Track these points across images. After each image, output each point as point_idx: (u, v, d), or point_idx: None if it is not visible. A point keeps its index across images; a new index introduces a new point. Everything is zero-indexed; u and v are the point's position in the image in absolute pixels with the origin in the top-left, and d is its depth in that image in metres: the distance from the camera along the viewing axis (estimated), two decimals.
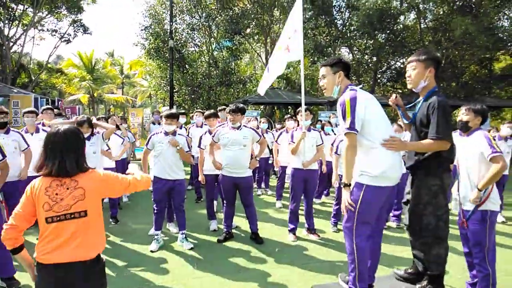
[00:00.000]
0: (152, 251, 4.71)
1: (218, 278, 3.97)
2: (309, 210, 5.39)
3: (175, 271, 4.16)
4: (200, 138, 5.54)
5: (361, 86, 3.05)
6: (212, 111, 6.12)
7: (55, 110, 6.60)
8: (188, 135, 6.80)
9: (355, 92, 2.86)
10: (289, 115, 7.86)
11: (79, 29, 21.85)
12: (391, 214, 6.01)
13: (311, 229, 5.38)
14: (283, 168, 7.08)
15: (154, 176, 4.87)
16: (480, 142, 3.18)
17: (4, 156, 3.85)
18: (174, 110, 5.31)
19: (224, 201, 5.22)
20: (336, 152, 5.62)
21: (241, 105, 5.10)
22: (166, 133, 4.84)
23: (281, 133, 7.19)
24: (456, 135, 6.81)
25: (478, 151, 3.17)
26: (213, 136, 5.07)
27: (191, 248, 4.79)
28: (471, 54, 17.69)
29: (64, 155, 2.01)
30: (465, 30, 16.21)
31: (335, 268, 4.18)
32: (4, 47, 18.96)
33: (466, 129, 3.35)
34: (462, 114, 3.36)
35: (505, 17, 20.15)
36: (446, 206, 2.99)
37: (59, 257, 1.94)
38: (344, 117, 2.81)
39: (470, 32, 16.22)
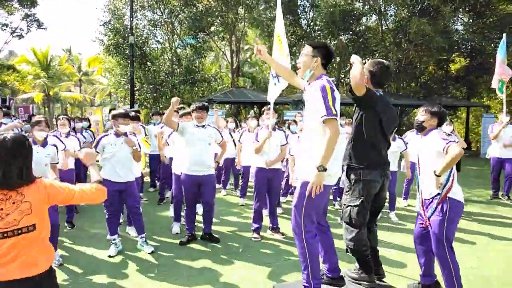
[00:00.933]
0: (110, 256, 4.44)
1: (180, 281, 3.84)
2: (272, 210, 5.34)
3: (135, 276, 3.97)
4: (170, 134, 5.48)
5: (332, 79, 2.97)
6: (187, 110, 5.85)
7: (3, 109, 6.16)
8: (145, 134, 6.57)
9: (331, 82, 2.84)
10: (251, 115, 7.76)
11: (32, 24, 20.68)
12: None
13: (275, 228, 5.32)
14: (246, 168, 6.98)
15: (104, 179, 4.53)
16: (435, 140, 3.23)
17: None
18: (122, 110, 5.01)
19: (185, 202, 5.02)
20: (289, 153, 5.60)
21: (206, 103, 5.02)
22: (117, 135, 4.56)
23: (242, 133, 7.11)
24: (413, 134, 7.00)
25: (435, 149, 3.20)
26: (177, 129, 4.74)
27: (152, 252, 4.56)
28: (429, 56, 18.35)
29: (7, 166, 1.86)
30: (422, 32, 16.79)
31: (298, 267, 4.06)
32: None
33: (421, 129, 3.42)
34: (419, 114, 3.44)
35: (459, 21, 21.15)
36: (362, 199, 3.11)
37: (9, 275, 1.83)
38: (326, 102, 2.72)
39: (427, 34, 16.82)
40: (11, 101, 15.73)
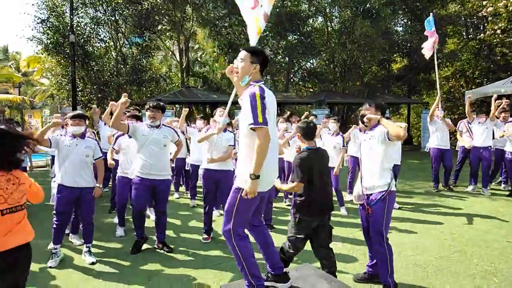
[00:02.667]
0: (50, 267, 4.19)
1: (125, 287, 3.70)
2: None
3: (79, 285, 3.79)
4: (116, 138, 5.27)
5: (262, 82, 2.96)
6: (134, 112, 5.60)
7: None
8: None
9: (264, 89, 2.81)
10: (199, 116, 7.68)
11: None
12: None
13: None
14: (194, 167, 6.92)
15: (59, 184, 4.32)
16: (381, 130, 3.49)
17: None
18: (79, 111, 4.75)
19: (134, 209, 4.69)
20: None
21: (162, 102, 4.73)
22: (73, 136, 4.32)
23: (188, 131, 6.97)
24: (357, 132, 7.27)
25: (380, 138, 3.47)
26: (128, 130, 4.48)
27: (93, 263, 4.32)
28: (372, 56, 19.21)
29: (13, 152, 2.29)
30: (365, 33, 17.57)
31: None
32: None
33: (366, 123, 3.64)
34: (364, 109, 3.68)
35: (400, 22, 22.39)
36: None
37: (13, 242, 2.25)
38: (254, 111, 2.69)
39: (369, 35, 17.62)
40: None
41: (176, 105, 21.40)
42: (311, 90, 23.96)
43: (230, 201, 2.87)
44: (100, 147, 4.65)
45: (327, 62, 21.94)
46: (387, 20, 18.93)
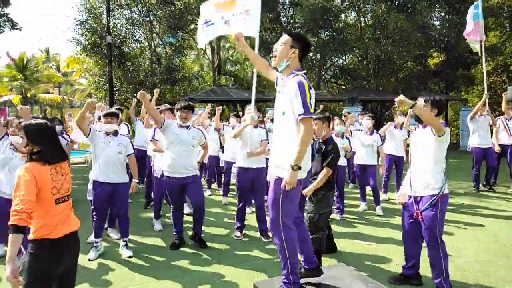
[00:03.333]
0: (89, 260, 4.34)
1: (162, 283, 3.81)
2: (258, 213, 5.14)
3: (116, 279, 3.90)
4: (154, 129, 5.33)
5: (304, 71, 2.94)
6: (167, 106, 5.75)
7: None
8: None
9: (307, 81, 2.80)
10: (232, 113, 7.69)
11: (5, 24, 20.04)
12: (334, 207, 6.10)
13: (263, 231, 5.11)
14: (228, 165, 6.96)
15: (93, 181, 4.48)
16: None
17: None
18: (112, 109, 4.90)
19: (171, 205, 4.85)
20: None
21: (192, 103, 4.81)
22: (107, 134, 4.46)
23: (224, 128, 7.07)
24: (392, 129, 7.04)
25: (432, 136, 3.25)
26: (161, 126, 4.59)
27: (130, 257, 4.43)
28: (407, 51, 18.60)
29: (54, 146, 2.38)
30: (400, 27, 17.03)
31: (279, 266, 4.09)
32: None
33: (421, 120, 3.38)
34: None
35: (436, 16, 21.54)
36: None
37: (66, 230, 2.35)
38: (304, 101, 2.68)
39: (405, 29, 17.06)
40: None
41: (208, 104, 21.65)
42: (343, 87, 23.54)
43: (273, 193, 2.84)
44: (132, 144, 4.77)
45: (360, 58, 21.46)
46: (423, 14, 18.22)
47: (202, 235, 4.92)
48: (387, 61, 19.60)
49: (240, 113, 7.75)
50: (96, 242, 4.51)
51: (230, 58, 26.26)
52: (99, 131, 4.56)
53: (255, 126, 5.16)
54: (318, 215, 3.87)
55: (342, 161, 6.11)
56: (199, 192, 4.78)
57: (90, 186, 4.77)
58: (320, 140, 4.08)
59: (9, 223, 2.08)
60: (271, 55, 3.00)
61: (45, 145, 2.33)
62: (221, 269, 4.12)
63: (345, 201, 6.34)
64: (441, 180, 3.27)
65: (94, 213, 4.50)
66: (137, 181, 4.69)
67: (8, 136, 4.30)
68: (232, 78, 24.08)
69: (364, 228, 5.53)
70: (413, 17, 17.30)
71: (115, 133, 4.54)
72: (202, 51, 22.58)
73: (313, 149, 4.03)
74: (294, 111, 2.73)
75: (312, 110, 2.72)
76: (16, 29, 20.31)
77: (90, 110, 4.42)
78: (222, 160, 7.37)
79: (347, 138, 6.28)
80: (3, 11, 19.60)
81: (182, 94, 18.56)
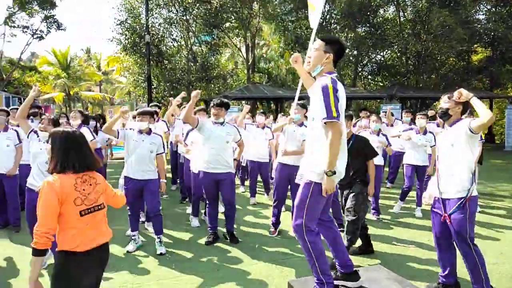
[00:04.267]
0: (128, 252, 4.50)
1: (196, 278, 3.86)
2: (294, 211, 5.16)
3: (152, 272, 4.01)
4: (187, 132, 5.46)
5: (335, 74, 2.89)
6: (201, 106, 5.87)
7: (32, 110, 6.31)
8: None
9: (336, 81, 2.74)
10: (259, 111, 7.68)
11: (52, 25, 21.09)
12: (370, 207, 5.98)
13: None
14: (252, 163, 6.99)
15: (125, 177, 4.62)
16: (464, 125, 3.12)
17: None
18: (145, 107, 5.02)
19: (207, 201, 4.95)
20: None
21: (226, 100, 4.86)
22: (140, 131, 4.57)
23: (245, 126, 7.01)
24: (433, 127, 6.70)
25: (465, 130, 3.09)
26: (196, 126, 4.68)
27: (162, 254, 4.48)
28: (449, 47, 17.84)
29: (81, 155, 2.26)
30: (442, 22, 16.35)
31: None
32: None
33: (446, 117, 3.26)
34: (443, 102, 3.29)
35: (482, 10, 20.47)
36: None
37: (95, 242, 2.24)
38: (327, 104, 2.64)
39: (448, 25, 16.36)
40: (35, 101, 16.13)
41: (243, 101, 21.79)
42: (381, 84, 22.93)
43: (301, 195, 2.83)
44: (165, 143, 4.87)
45: (399, 54, 20.82)
46: (467, 8, 17.42)
47: (235, 232, 4.97)
48: (428, 57, 18.89)
49: (272, 111, 7.72)
50: (134, 235, 4.66)
51: (264, 55, 26.27)
52: (131, 129, 4.68)
53: (300, 124, 5.11)
54: (363, 211, 4.18)
55: (379, 160, 5.96)
56: (231, 189, 4.86)
57: (121, 181, 4.95)
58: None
59: (31, 244, 2.08)
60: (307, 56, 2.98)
61: (65, 154, 2.22)
62: (254, 266, 4.14)
63: (381, 202, 6.18)
64: (470, 181, 3.10)
65: (128, 208, 4.64)
66: (165, 181, 4.76)
67: (35, 132, 4.36)
68: (266, 76, 24.08)
69: (402, 230, 5.37)
70: (456, 12, 16.57)
71: (149, 131, 4.62)
72: (237, 49, 22.75)
73: None
74: (320, 115, 2.69)
75: (335, 114, 2.62)
76: (62, 29, 21.37)
77: (123, 116, 4.64)
78: (244, 159, 7.38)
79: (384, 135, 6.11)
80: (50, 13, 20.66)
81: (216, 92, 18.79)
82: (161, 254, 4.47)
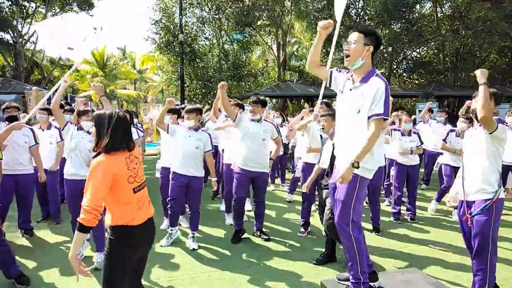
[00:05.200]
0: (162, 246, 4.60)
1: (227, 273, 3.90)
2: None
3: (184, 266, 4.09)
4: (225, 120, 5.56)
5: (382, 71, 2.89)
6: (237, 101, 5.92)
7: (68, 107, 6.56)
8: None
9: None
10: (276, 111, 7.63)
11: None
12: (405, 208, 5.83)
13: None
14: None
15: (172, 172, 4.68)
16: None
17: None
18: (195, 105, 5.01)
19: (235, 197, 4.93)
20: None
21: (262, 97, 4.86)
22: (188, 128, 4.64)
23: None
24: (464, 126, 6.37)
25: (483, 134, 2.91)
26: (234, 119, 4.73)
27: (194, 249, 4.55)
28: (490, 43, 17.03)
29: (128, 134, 2.34)
30: (483, 17, 15.63)
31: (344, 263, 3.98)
32: (17, 45, 19.08)
33: (474, 118, 3.11)
34: (474, 101, 3.06)
35: None
36: None
37: (145, 216, 2.37)
38: (386, 102, 2.71)
39: (489, 19, 15.61)
40: (74, 98, 16.84)
41: (273, 99, 21.77)
42: (416, 81, 22.23)
43: (347, 189, 2.81)
44: (211, 140, 4.87)
45: (435, 51, 20.10)
46: (511, 1, 16.54)
47: (266, 230, 4.99)
48: (467, 54, 18.13)
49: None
50: (171, 230, 4.74)
51: (296, 53, 26.12)
52: (181, 125, 4.76)
53: None
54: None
55: (415, 160, 5.78)
56: (264, 188, 4.89)
57: (158, 165, 5.14)
58: (328, 137, 4.08)
59: (78, 219, 2.11)
60: (342, 54, 2.96)
61: (116, 133, 2.26)
62: (285, 264, 4.12)
63: (417, 203, 5.98)
64: (496, 183, 2.92)
65: (170, 203, 4.68)
66: (215, 179, 4.81)
67: (71, 123, 4.40)
68: (297, 74, 23.92)
69: (438, 232, 5.19)
70: (499, 6, 15.77)
71: (196, 128, 4.68)
72: (268, 47, 22.74)
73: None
74: (372, 110, 2.71)
75: (388, 113, 2.74)
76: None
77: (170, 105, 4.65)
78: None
79: (416, 133, 5.93)
80: (88, 13, 21.44)
81: (247, 90, 18.87)
82: (193, 249, 4.53)
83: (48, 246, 4.67)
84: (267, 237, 4.89)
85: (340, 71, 3.10)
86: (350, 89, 2.91)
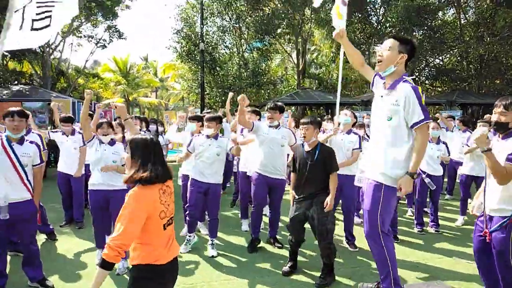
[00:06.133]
0: (181, 253, 4.61)
1: (245, 282, 3.89)
2: (347, 220, 4.99)
3: (203, 273, 4.10)
4: (241, 130, 5.62)
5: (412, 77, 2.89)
6: (253, 108, 5.96)
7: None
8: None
9: None
10: (327, 117, 7.46)
11: (114, 35, 22.43)
12: (429, 220, 5.70)
13: (349, 239, 4.97)
14: None
15: (191, 178, 4.73)
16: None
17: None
18: (213, 114, 5.05)
19: (253, 204, 4.92)
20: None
21: (280, 103, 4.88)
22: (208, 136, 4.68)
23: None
24: (490, 135, 6.18)
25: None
26: (252, 128, 4.73)
27: (212, 256, 4.56)
28: None
29: (163, 163, 2.15)
30: (509, 23, 15.25)
31: (366, 275, 3.93)
32: (45, 54, 19.75)
33: (501, 129, 2.76)
34: (499, 114, 2.72)
35: None
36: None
37: (171, 255, 2.18)
38: (423, 107, 2.69)
39: None
40: (96, 105, 17.24)
41: (292, 107, 21.73)
42: (439, 89, 21.80)
43: (372, 199, 2.79)
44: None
45: (459, 58, 19.69)
46: None
47: (281, 238, 4.99)
48: (492, 60, 17.66)
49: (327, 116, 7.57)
50: (189, 237, 4.78)
51: (315, 61, 26.06)
52: (198, 135, 4.81)
53: (348, 132, 4.99)
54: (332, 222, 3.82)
55: (438, 170, 5.64)
56: (280, 196, 4.89)
57: (180, 173, 5.24)
58: (309, 148, 3.85)
59: (102, 254, 1.98)
60: (375, 60, 2.95)
61: (153, 164, 2.10)
62: (305, 274, 4.06)
63: (440, 214, 5.84)
64: None
65: (188, 210, 4.74)
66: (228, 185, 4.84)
67: (96, 138, 4.36)
68: (316, 81, 23.84)
69: (464, 245, 5.03)
70: None
71: (216, 136, 4.71)
72: (287, 54, 22.78)
73: (296, 156, 3.98)
74: (412, 118, 2.69)
75: (430, 116, 2.72)
76: (123, 38, 22.68)
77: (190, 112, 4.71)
78: None
79: (444, 143, 5.78)
80: (112, 23, 22.02)
81: (266, 97, 18.92)
82: (213, 256, 4.54)
83: (70, 251, 4.76)
84: (280, 245, 4.87)
85: (380, 76, 3.10)
86: (381, 96, 2.92)
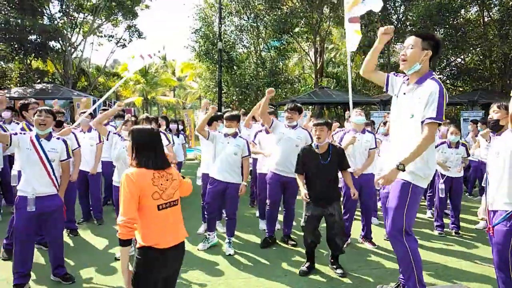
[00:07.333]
0: (199, 250, 4.66)
1: (264, 281, 3.89)
2: (366, 219, 5.03)
3: (221, 271, 4.12)
4: (256, 134, 5.62)
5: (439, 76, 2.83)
6: (271, 109, 5.96)
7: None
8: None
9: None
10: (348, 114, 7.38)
11: (134, 34, 22.76)
12: (449, 222, 5.59)
13: (367, 237, 5.01)
14: None
15: (210, 177, 4.77)
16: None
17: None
18: (233, 112, 5.06)
19: (268, 202, 4.92)
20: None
21: (299, 104, 4.91)
22: (226, 135, 4.72)
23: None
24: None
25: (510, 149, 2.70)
26: (271, 125, 4.80)
27: (229, 255, 4.56)
28: None
29: (158, 151, 2.36)
30: None
31: (384, 276, 3.90)
32: (66, 53, 20.21)
33: (496, 128, 3.03)
34: (492, 112, 3.09)
35: None
36: None
37: (173, 240, 2.30)
38: (441, 106, 2.64)
39: None
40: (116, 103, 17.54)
41: (309, 106, 21.62)
42: (461, 89, 21.32)
43: (398, 197, 2.75)
44: (249, 146, 4.90)
45: (481, 57, 19.21)
46: None
47: (296, 235, 5.02)
48: None
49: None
50: (209, 235, 4.81)
51: (333, 59, 25.85)
52: (219, 132, 4.85)
53: (363, 131, 4.95)
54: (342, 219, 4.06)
55: (459, 172, 5.51)
56: (294, 195, 4.90)
57: (199, 173, 5.27)
58: (322, 149, 3.97)
59: (117, 235, 2.17)
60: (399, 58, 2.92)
61: (147, 152, 2.32)
62: (323, 274, 4.04)
63: (463, 216, 5.71)
64: None
65: (207, 208, 4.79)
66: (245, 183, 4.84)
67: (115, 134, 4.67)
68: (334, 80, 23.65)
69: (487, 248, 4.90)
70: None
71: (235, 135, 4.74)
72: (305, 53, 22.66)
73: (306, 158, 4.05)
74: (425, 114, 2.65)
75: (443, 117, 2.66)
76: (142, 38, 22.99)
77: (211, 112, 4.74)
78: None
79: (464, 145, 5.64)
80: (132, 23, 22.35)
81: (284, 97, 18.87)
82: (229, 255, 4.56)
83: (89, 246, 4.87)
84: (294, 243, 4.90)
85: (397, 75, 3.08)
86: (404, 93, 2.88)
